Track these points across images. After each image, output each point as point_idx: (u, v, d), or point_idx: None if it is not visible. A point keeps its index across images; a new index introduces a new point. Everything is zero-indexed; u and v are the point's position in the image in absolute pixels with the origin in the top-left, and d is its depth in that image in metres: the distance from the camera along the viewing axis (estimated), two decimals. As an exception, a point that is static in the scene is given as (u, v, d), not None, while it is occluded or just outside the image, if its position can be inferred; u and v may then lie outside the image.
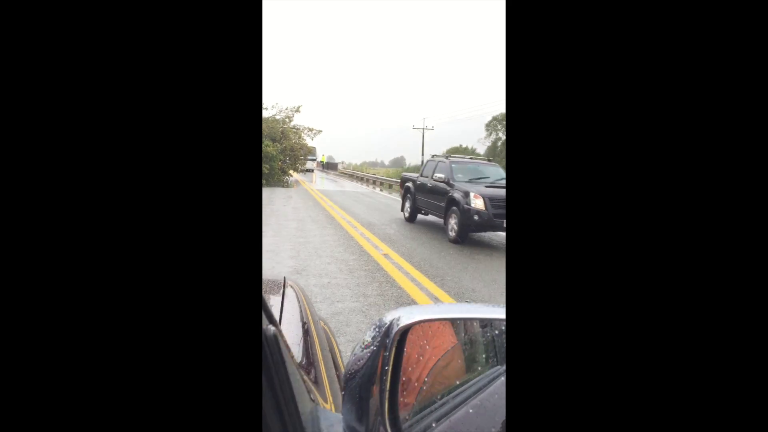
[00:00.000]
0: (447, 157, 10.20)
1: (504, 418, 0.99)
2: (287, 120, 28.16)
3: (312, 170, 46.92)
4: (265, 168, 23.39)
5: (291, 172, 28.54)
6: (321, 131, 31.13)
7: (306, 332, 1.21)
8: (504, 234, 8.92)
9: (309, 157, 37.81)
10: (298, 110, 28.89)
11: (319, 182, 32.66)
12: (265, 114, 27.42)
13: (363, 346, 0.91)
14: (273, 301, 1.51)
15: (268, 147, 23.95)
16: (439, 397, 0.99)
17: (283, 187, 23.34)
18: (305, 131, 29.29)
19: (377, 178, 33.52)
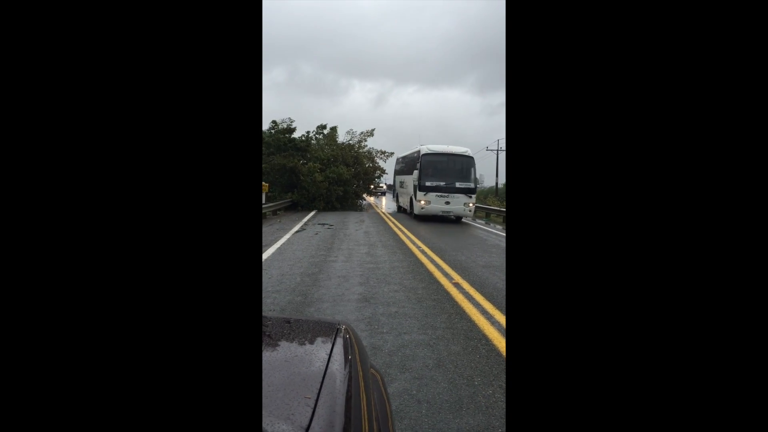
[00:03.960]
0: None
1: None
2: (361, 145, 27.85)
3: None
4: (340, 191, 23.77)
5: (365, 195, 28.20)
6: (393, 153, 29.10)
7: (348, 398, 1.10)
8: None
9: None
10: (371, 134, 28.05)
11: (389, 204, 31.31)
12: (339, 139, 28.22)
13: None
14: (322, 349, 1.42)
15: (341, 170, 24.37)
16: None
17: (357, 210, 23.51)
18: (378, 155, 28.60)
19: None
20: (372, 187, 28.66)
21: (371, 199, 34.62)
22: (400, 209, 22.21)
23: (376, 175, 27.89)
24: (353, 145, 27.76)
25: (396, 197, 24.12)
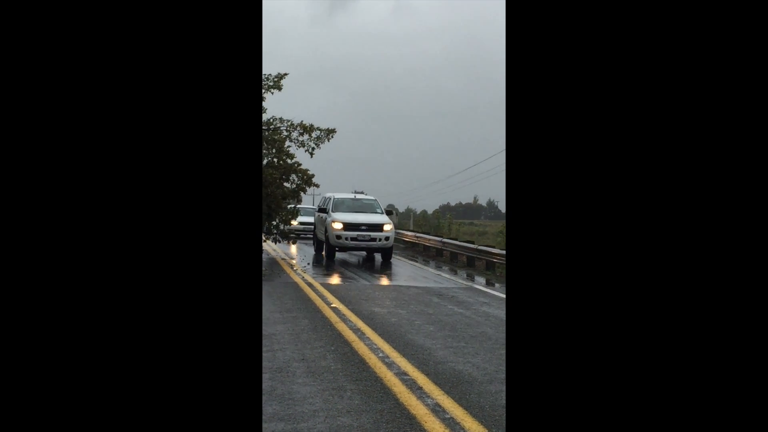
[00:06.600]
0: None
1: None
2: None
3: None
4: None
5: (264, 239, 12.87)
6: (334, 131, 13.53)
7: None
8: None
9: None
10: (278, 85, 12.47)
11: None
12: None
13: None
14: None
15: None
16: None
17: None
18: (295, 135, 12.83)
19: (463, 245, 15.38)
20: (276, 223, 13.31)
21: (280, 250, 15.78)
22: None
23: (291, 186, 12.58)
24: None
25: None
